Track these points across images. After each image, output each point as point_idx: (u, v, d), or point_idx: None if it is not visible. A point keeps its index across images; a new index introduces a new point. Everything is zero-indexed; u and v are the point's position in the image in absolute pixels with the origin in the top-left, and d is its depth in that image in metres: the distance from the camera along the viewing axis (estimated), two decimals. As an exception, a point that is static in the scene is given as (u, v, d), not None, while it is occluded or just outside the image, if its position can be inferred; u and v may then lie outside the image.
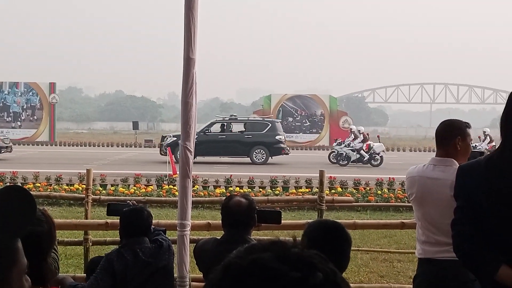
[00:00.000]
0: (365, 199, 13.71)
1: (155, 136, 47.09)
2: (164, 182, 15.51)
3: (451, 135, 3.80)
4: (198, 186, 14.69)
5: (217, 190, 14.60)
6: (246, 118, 29.57)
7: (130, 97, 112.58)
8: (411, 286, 4.05)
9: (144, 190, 14.34)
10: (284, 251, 0.91)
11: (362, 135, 27.08)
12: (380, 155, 26.51)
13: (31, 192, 1.48)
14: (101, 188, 14.41)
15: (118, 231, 4.35)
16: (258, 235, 6.26)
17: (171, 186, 14.67)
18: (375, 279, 7.79)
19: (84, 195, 6.83)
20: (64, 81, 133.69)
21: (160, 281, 4.20)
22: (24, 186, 12.53)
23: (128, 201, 4.78)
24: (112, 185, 15.07)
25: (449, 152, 3.79)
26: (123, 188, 14.61)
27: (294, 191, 14.83)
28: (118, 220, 4.35)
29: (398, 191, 14.45)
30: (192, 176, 4.35)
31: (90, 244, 6.62)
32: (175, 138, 26.75)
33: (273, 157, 26.78)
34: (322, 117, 45.13)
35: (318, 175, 6.85)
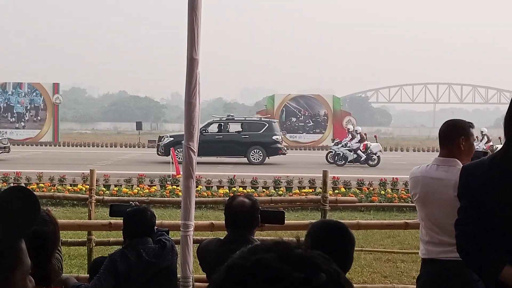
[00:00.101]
0: (369, 199, 13.70)
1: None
2: (168, 182, 15.51)
3: (454, 135, 3.80)
4: (201, 187, 14.69)
5: (221, 191, 14.60)
6: (243, 118, 29.55)
7: (133, 97, 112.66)
8: (415, 286, 4.05)
9: (147, 190, 14.34)
10: (287, 251, 0.91)
11: (359, 135, 27.13)
12: (377, 155, 26.54)
13: (34, 193, 1.48)
14: (104, 189, 14.43)
15: (122, 231, 4.36)
16: (261, 235, 6.26)
17: (175, 187, 14.68)
18: (379, 279, 7.78)
19: (88, 196, 6.83)
20: (68, 82, 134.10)
21: (164, 281, 4.21)
22: (28, 187, 12.55)
23: (130, 202, 4.79)
24: (115, 186, 15.09)
25: (453, 152, 3.78)
26: (126, 188, 14.62)
27: (298, 191, 14.82)
28: (122, 221, 4.35)
29: (402, 191, 14.44)
30: (196, 177, 4.35)
31: (94, 244, 6.62)
32: (172, 138, 26.79)
33: (270, 157, 26.80)
34: (325, 117, 45.12)
35: (322, 175, 6.84)
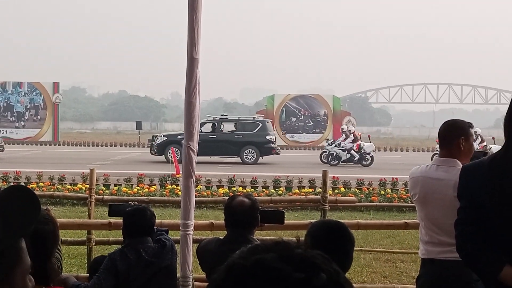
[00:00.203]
0: (368, 199, 13.70)
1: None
2: (167, 182, 15.51)
3: (454, 135, 3.80)
4: (201, 186, 14.69)
5: (220, 190, 14.60)
6: (237, 118, 29.51)
7: (133, 97, 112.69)
8: (414, 286, 4.05)
9: (147, 190, 14.34)
10: (287, 251, 0.91)
11: (352, 135, 27.18)
12: (370, 155, 26.60)
13: (34, 192, 1.48)
14: (104, 188, 14.43)
15: (121, 231, 4.36)
16: (261, 235, 6.26)
17: (174, 186, 14.68)
18: (378, 279, 7.79)
19: (87, 195, 6.83)
20: (68, 81, 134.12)
21: (163, 281, 4.21)
22: (28, 186, 12.55)
23: (129, 202, 4.79)
24: (115, 185, 15.09)
25: (452, 152, 3.78)
26: (126, 188, 14.63)
27: (297, 191, 14.82)
28: (121, 220, 4.35)
29: (401, 191, 14.45)
30: (195, 176, 4.35)
31: (93, 243, 6.62)
32: (166, 138, 26.79)
33: (263, 157, 26.80)
34: (325, 117, 45.11)
35: (322, 175, 6.84)
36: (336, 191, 14.42)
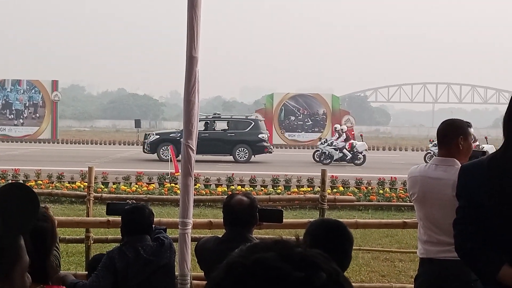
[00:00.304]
0: (367, 199, 13.71)
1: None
2: (166, 180, 15.52)
3: (453, 134, 3.80)
4: (199, 185, 14.70)
5: (219, 189, 14.60)
6: (229, 117, 29.50)
7: (132, 95, 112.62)
8: (413, 285, 4.05)
9: (146, 188, 14.35)
10: (287, 250, 0.90)
11: (345, 133, 27.25)
12: (362, 154, 26.66)
13: (33, 190, 1.48)
14: (103, 186, 14.43)
15: (120, 229, 4.36)
16: (259, 233, 6.26)
17: (173, 184, 14.69)
18: (377, 278, 7.79)
19: (86, 193, 6.82)
20: (67, 79, 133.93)
21: (162, 279, 4.21)
22: (26, 184, 12.54)
23: (128, 200, 4.79)
24: (114, 183, 15.09)
25: (451, 151, 3.78)
26: (125, 186, 14.63)
27: (296, 190, 14.83)
28: (120, 218, 4.35)
29: (400, 191, 14.45)
30: (194, 175, 4.35)
31: (92, 241, 6.62)
32: (158, 136, 26.81)
33: (256, 155, 26.81)
34: (324, 116, 45.08)
35: (320, 174, 6.84)
36: (334, 190, 14.43)
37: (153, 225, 4.36)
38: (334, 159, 26.45)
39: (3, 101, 44.39)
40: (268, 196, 9.83)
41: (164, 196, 12.20)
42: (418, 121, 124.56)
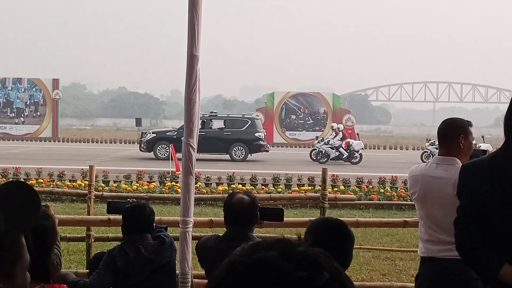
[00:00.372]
0: (368, 197, 13.70)
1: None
2: (167, 179, 15.51)
3: (453, 133, 3.80)
4: (200, 183, 14.69)
5: (220, 187, 14.60)
6: (226, 115, 29.49)
7: (133, 93, 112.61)
8: (413, 284, 4.05)
9: (146, 186, 14.34)
10: (289, 249, 0.90)
11: (341, 132, 27.25)
12: (359, 152, 26.68)
13: (34, 188, 1.48)
14: (103, 185, 14.43)
15: (121, 227, 4.36)
16: (260, 232, 6.26)
17: (174, 183, 14.68)
18: (377, 277, 7.79)
19: (87, 191, 6.83)
20: (68, 78, 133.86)
21: (162, 277, 4.21)
22: (27, 182, 12.54)
23: (128, 199, 4.79)
24: (114, 182, 15.10)
25: (452, 150, 3.78)
26: (125, 184, 14.64)
27: (297, 188, 14.82)
28: (121, 217, 4.35)
29: (401, 190, 14.45)
30: (195, 173, 4.35)
31: (93, 240, 6.62)
32: (155, 135, 26.84)
33: (252, 154, 26.83)
34: (325, 115, 45.05)
35: (321, 173, 6.84)
36: (335, 189, 14.43)
37: (154, 224, 4.36)
38: (331, 157, 26.44)
39: (4, 100, 44.37)
40: (269, 194, 9.82)
41: (165, 195, 12.21)
42: (419, 120, 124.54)
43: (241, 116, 28.95)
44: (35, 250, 2.24)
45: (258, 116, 33.35)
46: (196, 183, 11.43)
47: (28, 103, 44.21)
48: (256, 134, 26.91)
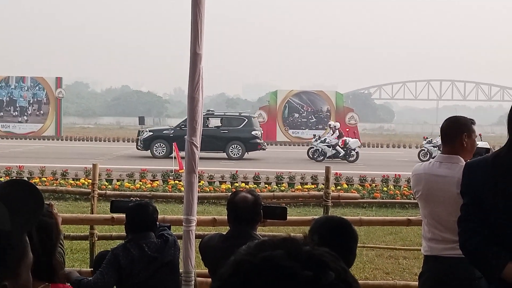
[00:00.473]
0: (371, 196, 13.68)
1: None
2: (170, 177, 15.52)
3: (456, 132, 3.79)
4: (203, 182, 14.69)
5: (223, 186, 14.60)
6: (223, 113, 29.48)
7: (136, 92, 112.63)
8: (417, 283, 4.05)
9: (150, 185, 14.35)
10: (295, 248, 0.90)
11: (338, 130, 27.19)
12: (356, 151, 26.68)
13: (37, 187, 1.48)
14: (107, 183, 14.43)
15: (124, 226, 4.36)
16: (263, 231, 6.26)
17: (177, 182, 14.68)
18: (381, 275, 7.78)
19: (90, 190, 6.83)
20: (71, 76, 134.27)
21: (166, 276, 4.22)
22: (30, 181, 12.56)
23: (131, 198, 4.79)
24: (118, 180, 15.10)
25: (455, 149, 3.77)
26: (129, 183, 14.64)
27: (300, 187, 14.81)
28: (124, 215, 4.35)
29: (404, 188, 14.43)
30: (198, 172, 4.34)
31: (96, 238, 6.63)
32: (152, 133, 26.90)
33: (249, 152, 26.83)
34: (328, 113, 45.01)
35: (324, 171, 6.83)
36: (338, 187, 14.42)
37: (157, 222, 4.36)
38: (327, 156, 26.43)
39: (7, 98, 44.44)
40: (272, 193, 9.81)
41: (168, 193, 12.20)
42: (422, 118, 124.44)
43: (237, 114, 28.96)
44: (40, 249, 2.24)
45: (259, 114, 33.31)
46: (199, 182, 11.44)
47: (31, 101, 44.29)
48: (253, 133, 26.94)
